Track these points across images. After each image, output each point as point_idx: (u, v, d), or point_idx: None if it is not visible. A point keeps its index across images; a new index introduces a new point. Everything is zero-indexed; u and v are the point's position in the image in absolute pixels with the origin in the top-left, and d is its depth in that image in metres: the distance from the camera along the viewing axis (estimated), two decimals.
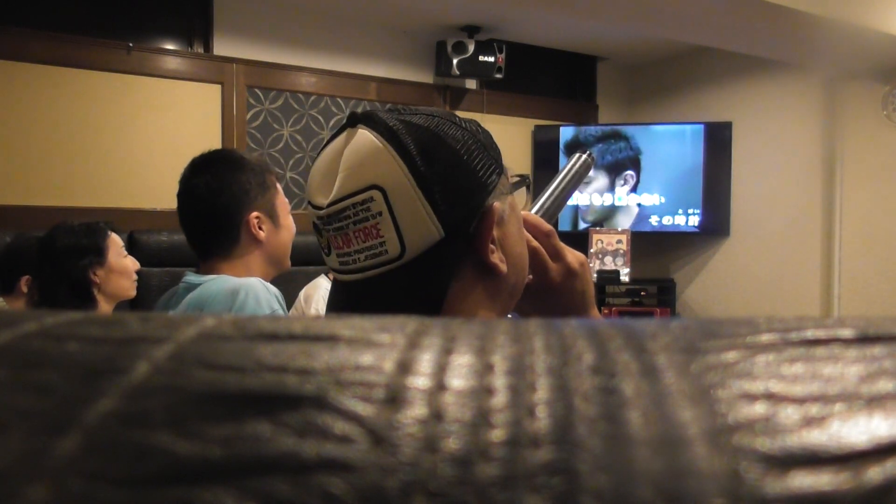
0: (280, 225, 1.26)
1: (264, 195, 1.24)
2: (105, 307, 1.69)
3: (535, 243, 0.67)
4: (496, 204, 0.57)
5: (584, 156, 0.82)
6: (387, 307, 0.55)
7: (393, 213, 0.53)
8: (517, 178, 0.65)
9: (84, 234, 1.70)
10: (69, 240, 1.68)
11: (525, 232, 0.67)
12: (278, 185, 1.28)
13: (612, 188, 4.31)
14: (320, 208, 0.56)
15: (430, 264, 0.55)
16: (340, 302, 0.59)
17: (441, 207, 0.54)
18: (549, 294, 0.68)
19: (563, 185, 0.79)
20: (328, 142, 0.59)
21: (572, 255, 0.69)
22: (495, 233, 0.58)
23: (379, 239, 0.54)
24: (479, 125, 0.61)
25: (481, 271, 0.58)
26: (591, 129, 4.42)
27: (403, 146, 0.54)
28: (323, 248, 0.59)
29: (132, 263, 1.76)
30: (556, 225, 0.73)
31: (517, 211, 0.63)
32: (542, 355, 0.14)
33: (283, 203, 1.27)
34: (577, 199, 4.35)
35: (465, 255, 0.57)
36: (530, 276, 0.68)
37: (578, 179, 0.81)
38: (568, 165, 0.81)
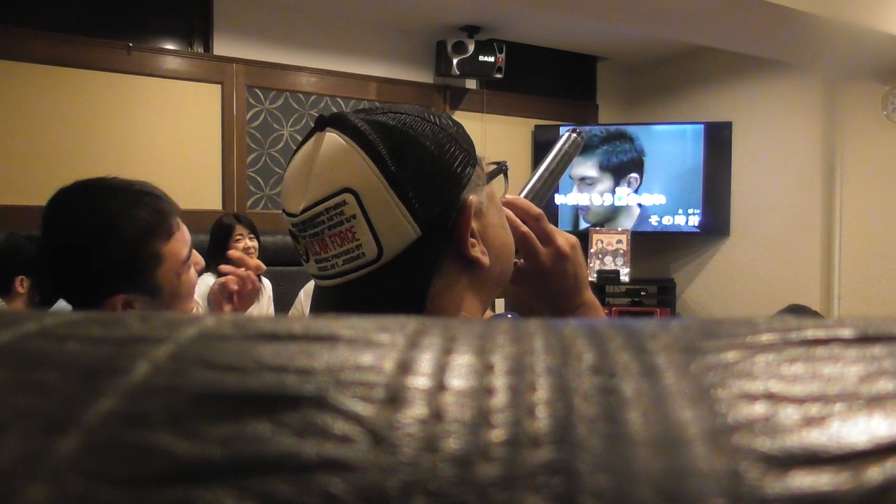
0: (162, 296, 0.91)
1: (139, 275, 0.88)
2: None
3: (525, 228, 0.66)
4: (472, 197, 0.57)
5: (574, 135, 0.80)
6: (370, 310, 0.54)
7: (367, 215, 0.53)
8: (493, 167, 0.64)
9: None
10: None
11: (513, 217, 0.66)
12: (167, 247, 0.89)
13: (618, 186, 4.31)
14: (294, 215, 0.56)
15: (410, 264, 0.55)
16: (323, 307, 0.58)
17: (415, 206, 0.53)
18: (540, 278, 0.68)
19: (552, 166, 0.78)
20: (298, 147, 0.59)
21: (563, 238, 0.68)
22: (474, 225, 0.57)
23: (355, 242, 0.53)
24: (451, 118, 0.60)
25: (463, 265, 0.57)
26: (597, 129, 4.41)
27: (372, 146, 0.53)
28: (301, 255, 0.59)
29: None
30: (547, 207, 0.72)
31: (496, 200, 0.63)
32: (542, 355, 0.14)
33: (168, 270, 0.90)
34: (578, 199, 4.35)
35: (444, 251, 0.56)
36: (522, 261, 0.68)
37: (568, 160, 0.79)
38: (557, 146, 0.79)
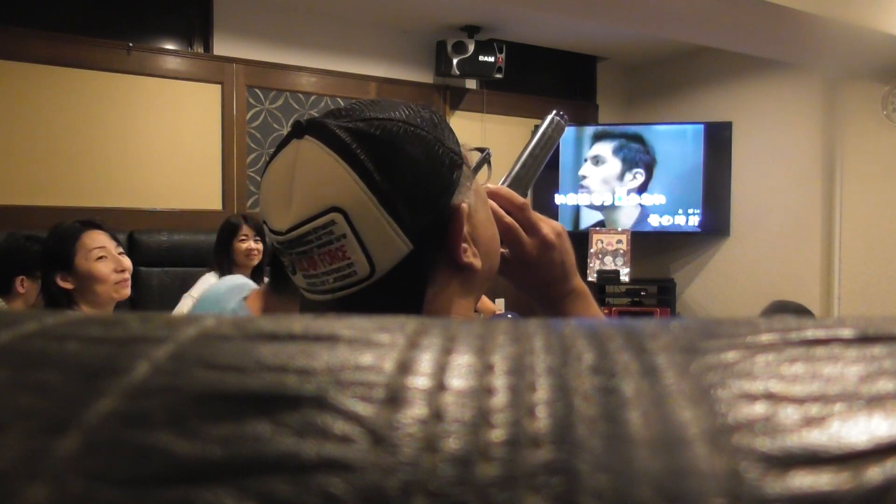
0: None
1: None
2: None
3: (509, 219, 0.64)
4: (463, 204, 0.55)
5: (557, 118, 0.76)
6: None
7: (357, 234, 0.51)
8: (477, 154, 0.61)
9: (51, 240, 1.62)
10: (42, 249, 1.64)
11: (497, 208, 0.64)
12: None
13: (621, 178, 4.31)
14: (279, 233, 0.53)
15: (402, 277, 0.53)
16: None
17: (406, 221, 0.51)
18: (527, 268, 0.66)
19: (535, 151, 0.75)
20: (274, 154, 0.55)
21: (548, 227, 0.66)
22: (465, 229, 0.55)
23: (346, 261, 0.51)
24: (433, 112, 0.56)
25: (455, 270, 0.56)
26: (616, 129, 4.41)
27: (359, 162, 0.51)
28: (287, 267, 0.56)
29: (114, 264, 1.62)
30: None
31: (482, 194, 0.60)
32: (542, 355, 0.14)
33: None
34: (579, 199, 4.35)
35: (437, 260, 0.55)
36: (506, 251, 0.65)
37: (552, 144, 0.76)
38: (540, 130, 0.76)
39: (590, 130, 4.41)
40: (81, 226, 1.63)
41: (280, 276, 1.12)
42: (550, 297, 0.68)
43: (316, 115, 0.55)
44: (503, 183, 0.71)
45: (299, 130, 0.53)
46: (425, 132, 0.54)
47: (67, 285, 1.59)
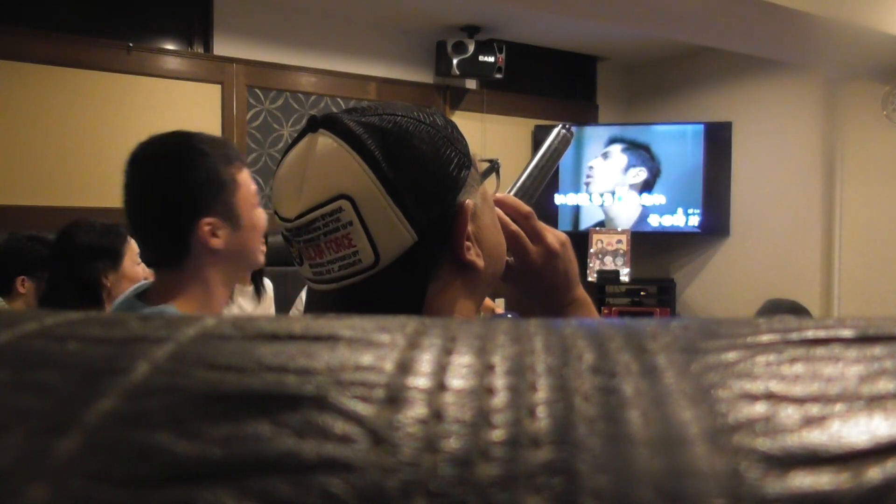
0: (241, 226, 1.03)
1: (219, 196, 1.01)
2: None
3: (514, 227, 0.66)
4: (468, 202, 0.56)
5: (564, 131, 0.79)
6: (366, 314, 0.53)
7: (364, 221, 0.52)
8: (486, 164, 0.63)
9: (103, 234, 1.66)
10: (88, 238, 1.66)
11: (503, 216, 0.65)
12: (240, 176, 1.06)
13: (625, 172, 4.32)
14: (288, 220, 0.55)
15: (406, 269, 0.54)
16: (319, 311, 0.58)
17: (412, 212, 0.53)
18: (530, 276, 0.68)
19: (541, 163, 0.77)
20: (289, 148, 0.57)
21: (553, 236, 0.68)
22: (470, 228, 0.57)
23: (351, 248, 0.53)
24: (444, 117, 0.59)
25: (458, 268, 0.57)
26: (629, 135, 4.42)
27: (369, 152, 0.52)
28: (295, 258, 0.58)
29: (143, 272, 1.72)
30: (544, 206, 0.71)
31: (489, 200, 0.62)
32: (542, 355, 0.14)
33: (244, 198, 1.05)
34: (579, 199, 4.35)
35: (440, 255, 0.56)
36: (512, 259, 0.67)
37: (558, 156, 0.78)
38: (546, 142, 0.79)
39: (603, 132, 4.43)
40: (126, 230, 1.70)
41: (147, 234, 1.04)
42: (553, 305, 0.70)
43: (317, 114, 0.57)
44: (509, 192, 0.73)
45: (314, 125, 0.56)
46: (435, 131, 0.56)
47: (107, 282, 1.62)
